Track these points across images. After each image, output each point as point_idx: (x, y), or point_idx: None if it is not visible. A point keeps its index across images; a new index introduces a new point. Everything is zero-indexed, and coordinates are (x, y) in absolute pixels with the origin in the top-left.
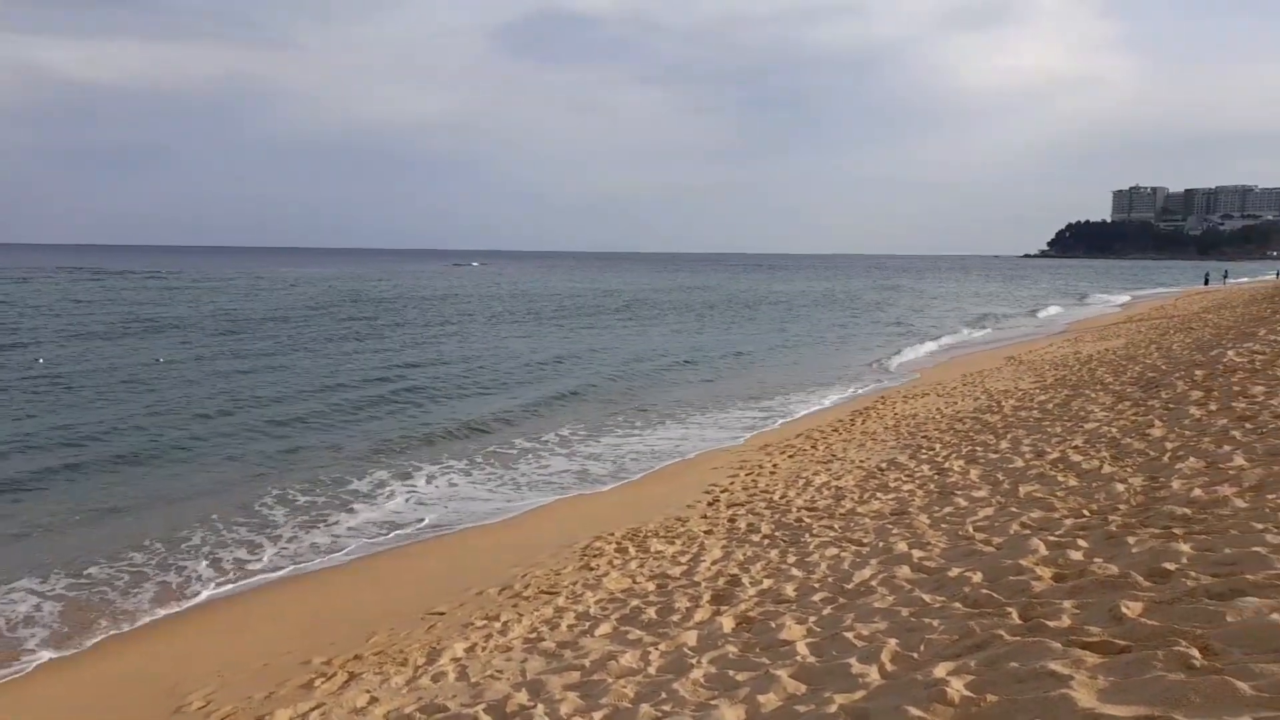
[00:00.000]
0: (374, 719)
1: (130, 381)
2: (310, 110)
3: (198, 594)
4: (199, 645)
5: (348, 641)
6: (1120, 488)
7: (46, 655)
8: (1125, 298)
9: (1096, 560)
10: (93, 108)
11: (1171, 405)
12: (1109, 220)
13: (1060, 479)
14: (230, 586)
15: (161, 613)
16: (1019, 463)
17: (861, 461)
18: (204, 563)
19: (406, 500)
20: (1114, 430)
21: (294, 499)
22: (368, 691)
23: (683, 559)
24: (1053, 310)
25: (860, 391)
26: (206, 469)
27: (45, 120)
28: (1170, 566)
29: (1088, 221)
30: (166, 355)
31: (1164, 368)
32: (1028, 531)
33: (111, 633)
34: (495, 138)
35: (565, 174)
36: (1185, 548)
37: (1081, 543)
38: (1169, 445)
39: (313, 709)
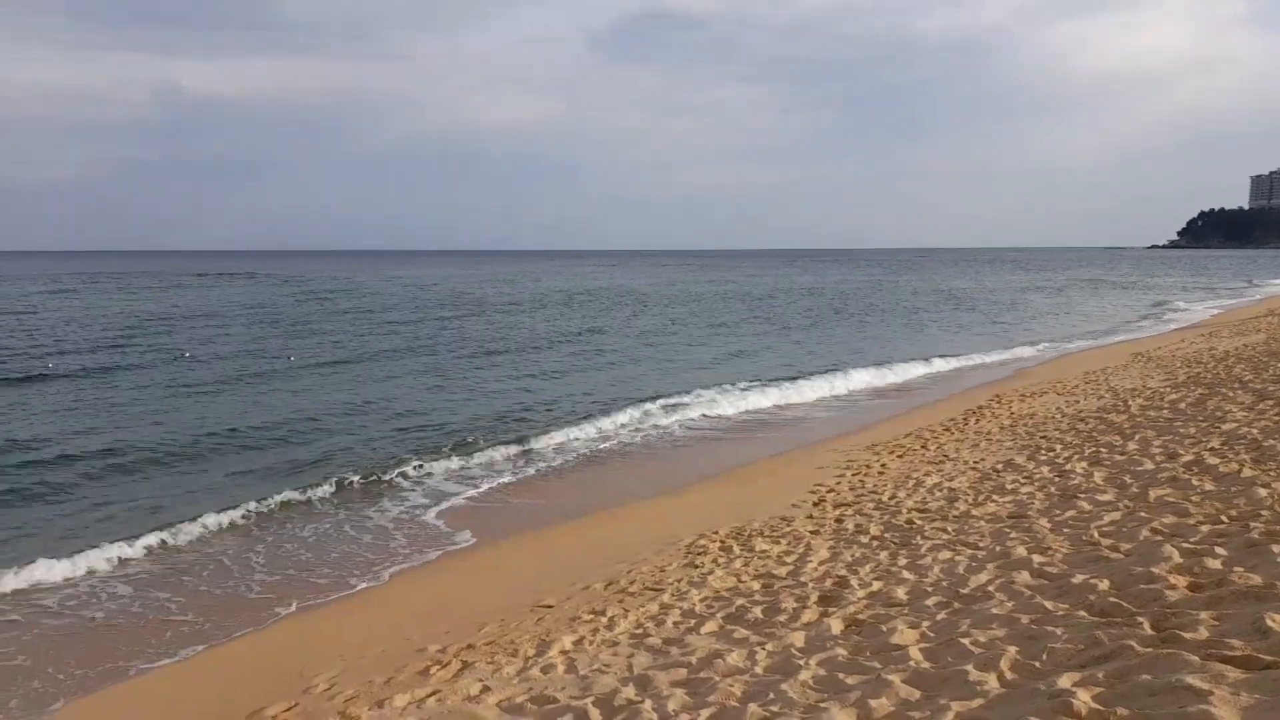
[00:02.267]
0: (487, 707)
1: (263, 375)
2: (417, 118)
3: (325, 586)
4: (322, 632)
5: (460, 631)
6: (1263, 493)
7: (190, 645)
8: None
9: (1237, 569)
10: (220, 122)
11: None
12: (1246, 207)
13: (1195, 483)
14: (350, 579)
15: (289, 606)
16: (1149, 465)
17: (975, 462)
18: (322, 555)
19: (516, 491)
20: (1255, 431)
21: (402, 494)
22: (480, 680)
23: (788, 559)
24: (1258, 295)
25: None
26: (320, 462)
27: (178, 135)
28: None
29: (1222, 209)
30: (297, 354)
31: None
32: (1160, 538)
33: (246, 619)
34: (596, 140)
35: (666, 174)
36: None
37: (1220, 550)
38: None
39: (429, 695)
